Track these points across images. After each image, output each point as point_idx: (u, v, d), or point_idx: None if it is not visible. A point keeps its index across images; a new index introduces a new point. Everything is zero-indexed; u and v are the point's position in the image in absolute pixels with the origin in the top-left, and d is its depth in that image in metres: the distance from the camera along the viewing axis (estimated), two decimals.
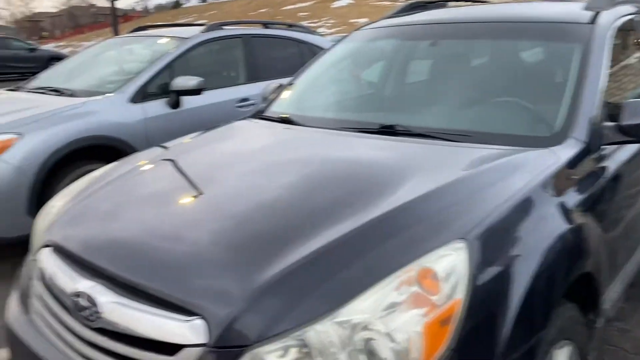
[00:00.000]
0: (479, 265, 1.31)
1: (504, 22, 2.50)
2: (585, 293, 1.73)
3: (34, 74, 5.39)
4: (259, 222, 1.54)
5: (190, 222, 1.60)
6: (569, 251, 1.56)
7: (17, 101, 4.05)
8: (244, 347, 1.21)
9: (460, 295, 1.25)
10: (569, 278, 1.53)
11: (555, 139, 1.85)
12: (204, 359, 1.23)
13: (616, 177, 1.99)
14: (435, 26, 2.64)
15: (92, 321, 1.39)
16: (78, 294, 1.44)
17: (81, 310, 1.42)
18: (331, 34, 21.04)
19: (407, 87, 2.76)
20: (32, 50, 20.90)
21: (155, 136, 3.91)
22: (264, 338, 1.21)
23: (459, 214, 1.45)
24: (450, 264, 1.28)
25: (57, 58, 20.08)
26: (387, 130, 2.11)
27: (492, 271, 1.33)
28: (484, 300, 1.28)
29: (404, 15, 2.96)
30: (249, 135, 2.44)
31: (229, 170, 1.98)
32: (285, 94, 2.81)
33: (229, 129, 2.53)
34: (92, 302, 1.40)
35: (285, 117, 2.50)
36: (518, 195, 1.53)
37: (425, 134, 2.01)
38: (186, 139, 2.48)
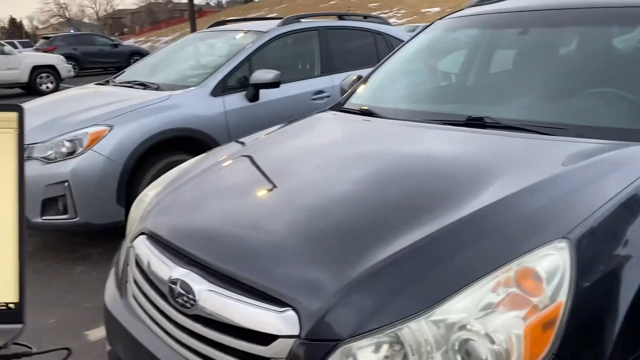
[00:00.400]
0: (583, 266, 1.23)
1: (599, 8, 2.34)
2: None
3: (116, 68, 5.66)
4: (351, 216, 1.53)
5: (279, 213, 1.62)
6: None
7: (107, 95, 4.27)
8: (336, 341, 1.21)
9: (564, 298, 1.18)
10: None
11: None
12: (296, 350, 1.23)
13: None
14: (526, 13, 2.52)
15: (187, 308, 1.44)
16: (174, 281, 1.49)
17: (177, 296, 1.47)
18: (402, 24, 20.73)
19: (494, 78, 2.66)
20: (115, 45, 22.02)
21: (235, 128, 4.01)
22: (357, 333, 1.20)
23: (559, 212, 1.38)
24: (553, 264, 1.22)
25: (138, 53, 21.07)
26: (475, 123, 2.04)
27: (598, 273, 1.26)
28: (589, 303, 1.21)
29: (489, 3, 2.84)
30: (330, 128, 2.43)
31: (313, 163, 1.99)
32: (366, 86, 2.78)
33: (310, 121, 2.54)
34: (188, 290, 1.45)
35: (366, 109, 2.48)
36: (625, 193, 1.43)
37: (517, 127, 1.93)
38: (268, 132, 2.51)
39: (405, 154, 1.91)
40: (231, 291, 1.38)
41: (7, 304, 0.74)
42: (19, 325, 0.73)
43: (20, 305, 0.74)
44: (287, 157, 2.10)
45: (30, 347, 0.74)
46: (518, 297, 1.19)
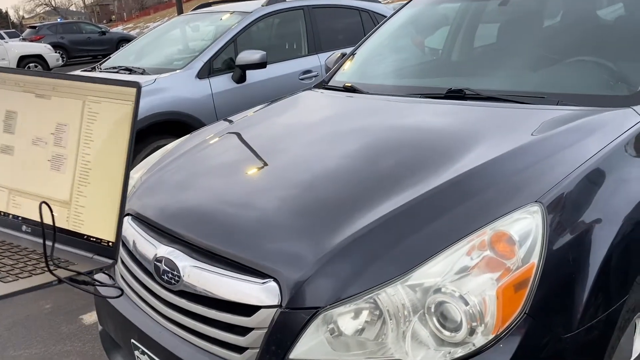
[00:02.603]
0: (555, 229, 1.26)
1: None
2: None
3: (105, 56, 5.63)
4: (328, 188, 1.55)
5: (261, 189, 1.65)
6: None
7: None
8: (316, 308, 1.24)
9: (536, 260, 1.22)
10: None
11: (637, 98, 1.74)
12: (278, 319, 1.27)
13: None
14: None
15: (172, 284, 1.47)
16: (159, 259, 1.52)
17: (162, 274, 1.50)
18: (392, 1, 20.52)
19: (475, 51, 2.67)
20: (103, 33, 21.81)
21: (222, 110, 4.01)
22: (336, 300, 1.23)
23: (533, 177, 1.40)
24: (526, 228, 1.25)
25: (126, 40, 20.87)
26: (455, 95, 2.06)
27: (569, 236, 1.29)
28: (561, 265, 1.25)
29: None
30: (313, 105, 2.45)
31: (296, 139, 2.01)
32: (349, 63, 2.79)
33: (294, 99, 2.55)
34: (172, 267, 1.47)
35: (349, 86, 2.49)
36: (597, 157, 1.46)
37: (496, 97, 1.95)
38: (252, 111, 2.52)
39: (387, 128, 1.93)
40: (215, 266, 1.41)
41: (108, 241, 0.90)
42: (111, 261, 0.89)
43: (115, 245, 0.89)
44: (272, 135, 2.12)
45: (95, 281, 0.89)
46: (492, 260, 1.22)
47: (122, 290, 0.96)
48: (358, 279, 1.24)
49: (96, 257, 0.91)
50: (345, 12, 5.16)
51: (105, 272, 0.93)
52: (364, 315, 1.23)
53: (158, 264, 1.52)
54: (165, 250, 1.53)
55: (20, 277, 0.82)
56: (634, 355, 1.50)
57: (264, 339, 1.28)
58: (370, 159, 1.68)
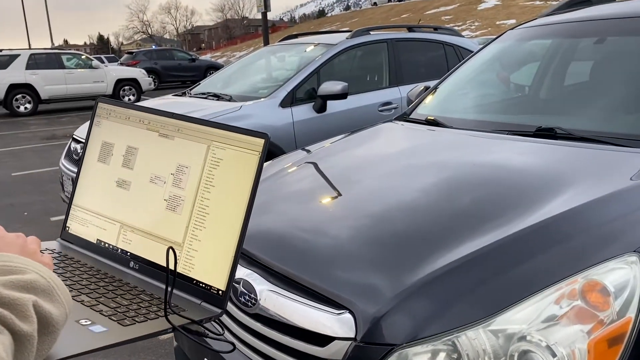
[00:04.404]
0: None
1: None
2: None
3: (193, 81, 5.93)
4: (408, 222, 1.53)
5: (338, 219, 1.65)
6: None
7: (183, 105, 4.48)
8: (392, 345, 1.21)
9: (633, 314, 1.13)
10: None
11: None
12: (352, 352, 1.25)
13: None
14: (600, 22, 2.43)
15: (249, 307, 1.49)
16: (237, 281, 1.55)
17: (240, 295, 1.52)
18: (475, 36, 20.32)
19: (566, 89, 2.57)
20: (193, 60, 23.02)
21: (302, 139, 4.09)
22: (414, 339, 1.20)
23: (630, 225, 1.32)
24: (622, 279, 1.17)
25: (214, 67, 21.92)
26: (545, 134, 1.98)
27: None
28: None
29: (563, 12, 2.76)
30: (394, 137, 2.44)
31: (375, 171, 2.00)
32: (433, 96, 2.77)
33: (374, 131, 2.55)
34: (250, 289, 1.50)
35: (432, 119, 2.47)
36: None
37: (589, 138, 1.86)
38: (333, 141, 2.55)
39: (471, 164, 1.88)
40: (291, 292, 1.42)
41: (218, 289, 0.87)
42: (219, 310, 0.86)
43: (225, 294, 0.87)
44: (351, 165, 2.13)
45: (208, 331, 0.86)
46: (583, 311, 1.15)
47: (234, 344, 0.92)
48: (437, 319, 1.21)
49: (204, 304, 0.87)
50: (429, 45, 5.16)
51: (216, 321, 0.87)
52: (441, 357, 1.19)
53: (236, 285, 1.55)
54: (243, 272, 1.56)
55: (137, 322, 0.80)
56: None
57: None
58: (454, 196, 1.65)
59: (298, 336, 1.35)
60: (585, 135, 1.88)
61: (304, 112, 4.25)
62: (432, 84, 3.03)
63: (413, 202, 1.65)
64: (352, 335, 1.26)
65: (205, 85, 5.21)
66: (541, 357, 1.10)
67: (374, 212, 1.65)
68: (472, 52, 4.97)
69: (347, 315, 1.28)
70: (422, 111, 2.65)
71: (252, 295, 1.48)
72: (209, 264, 0.89)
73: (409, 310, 1.24)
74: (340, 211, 1.74)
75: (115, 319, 0.80)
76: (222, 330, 0.89)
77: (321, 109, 4.27)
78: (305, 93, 4.36)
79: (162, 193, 0.96)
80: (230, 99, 4.39)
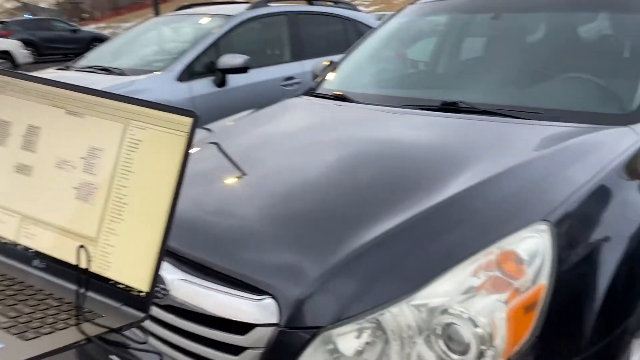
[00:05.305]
0: (563, 248, 1.23)
1: None
2: None
3: (76, 54, 5.47)
4: (328, 201, 1.49)
5: (253, 199, 1.57)
6: None
7: (69, 80, 4.08)
8: (317, 328, 1.17)
9: (545, 280, 1.18)
10: None
11: (635, 117, 1.74)
12: (276, 339, 1.20)
13: None
14: None
15: (159, 298, 1.38)
16: None
17: None
18: (369, 12, 20.69)
19: (467, 63, 2.65)
20: (75, 31, 21.35)
21: (203, 114, 3.88)
22: (338, 320, 1.17)
23: (538, 194, 1.37)
24: (534, 247, 1.21)
25: (98, 39, 20.46)
26: (449, 107, 2.03)
27: (577, 256, 1.26)
28: (569, 286, 1.21)
29: None
30: (302, 113, 2.39)
31: (288, 148, 1.94)
32: (338, 71, 2.74)
33: (282, 106, 2.48)
34: (159, 279, 1.39)
35: (340, 94, 2.44)
36: (600, 176, 1.44)
37: (492, 111, 1.92)
38: (238, 118, 2.44)
39: (381, 139, 1.88)
40: (205, 280, 1.33)
41: (139, 291, 0.76)
42: (142, 314, 0.75)
43: (149, 296, 0.76)
44: (259, 143, 2.04)
45: (132, 342, 0.77)
46: (499, 280, 1.18)
47: (161, 355, 0.83)
48: (361, 298, 1.18)
49: (124, 307, 0.77)
50: (329, 19, 5.13)
51: (140, 327, 0.77)
52: (365, 335, 1.17)
53: None
54: None
55: (41, 334, 0.68)
56: None
57: (260, 359, 1.20)
58: (365, 172, 1.63)
59: (215, 326, 1.27)
60: (487, 109, 1.95)
61: (203, 86, 4.06)
62: (334, 58, 3.01)
63: (326, 179, 1.62)
64: (275, 321, 1.20)
65: (92, 58, 4.80)
66: (464, 329, 1.12)
67: (287, 190, 1.60)
68: (370, 27, 5.02)
69: (269, 301, 1.22)
70: (328, 86, 2.61)
71: (162, 286, 1.37)
72: (128, 262, 0.78)
73: (332, 291, 1.21)
74: (252, 191, 1.66)
75: (14, 331, 0.67)
76: (146, 337, 0.79)
77: (221, 83, 4.10)
78: (204, 67, 4.16)
79: (71, 180, 0.84)
80: (121, 72, 4.08)
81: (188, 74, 4.02)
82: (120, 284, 0.78)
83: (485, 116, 1.91)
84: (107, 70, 4.19)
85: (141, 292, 0.77)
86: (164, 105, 0.81)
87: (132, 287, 0.77)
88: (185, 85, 3.97)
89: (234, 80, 4.14)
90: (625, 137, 1.63)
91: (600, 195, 1.41)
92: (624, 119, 1.74)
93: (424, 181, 1.50)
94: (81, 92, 0.87)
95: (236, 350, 1.24)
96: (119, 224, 0.79)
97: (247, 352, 1.22)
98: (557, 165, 1.50)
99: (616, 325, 1.27)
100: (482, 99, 2.07)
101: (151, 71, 4.01)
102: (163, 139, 0.79)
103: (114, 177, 0.81)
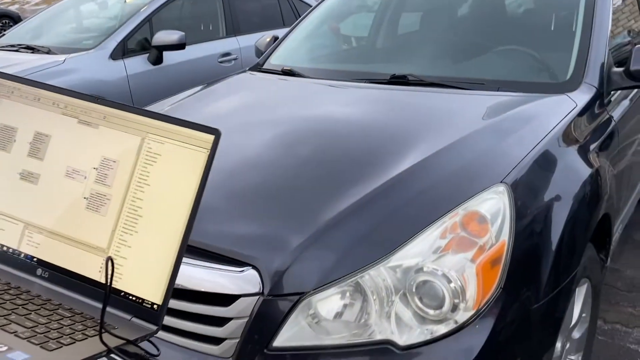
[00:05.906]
0: (520, 208, 1.34)
1: None
2: (599, 233, 1.81)
3: None
4: (299, 174, 1.53)
5: (229, 173, 1.58)
6: (594, 194, 1.61)
7: None
8: (300, 294, 1.23)
9: (506, 237, 1.29)
10: (595, 219, 1.60)
11: (569, 85, 1.89)
12: (260, 308, 1.24)
13: (622, 121, 2.06)
14: None
15: None
16: None
17: None
18: None
19: (411, 37, 2.74)
20: None
21: (139, 94, 3.80)
22: (319, 285, 1.23)
23: (493, 159, 1.48)
24: (495, 207, 1.32)
25: (7, 16, 18.96)
26: (399, 81, 2.10)
27: (531, 215, 1.38)
28: (527, 242, 1.33)
29: None
30: (254, 89, 2.38)
31: (243, 124, 1.94)
32: (284, 46, 2.74)
33: (231, 83, 2.46)
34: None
35: (288, 70, 2.46)
36: (545, 141, 1.57)
37: (439, 83, 2.02)
38: (186, 96, 2.40)
39: (339, 114, 1.93)
40: (188, 257, 1.33)
41: (152, 303, 0.76)
42: (154, 327, 0.76)
43: (161, 309, 0.76)
44: (218, 119, 2.03)
45: (149, 355, 0.77)
46: (464, 240, 1.27)
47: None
48: (341, 263, 1.25)
49: (135, 319, 0.77)
50: None
51: (150, 340, 0.77)
52: (348, 296, 1.24)
53: None
54: None
55: (63, 344, 0.67)
56: (574, 320, 1.64)
57: (245, 328, 1.24)
58: (331, 144, 1.68)
59: (200, 300, 1.29)
60: (435, 81, 2.04)
61: (138, 64, 3.93)
62: (270, 34, 3.01)
63: (293, 153, 1.65)
64: (259, 290, 1.24)
65: (12, 35, 4.50)
66: (439, 284, 1.21)
67: (250, 167, 1.61)
68: (304, 2, 5.02)
69: (252, 272, 1.26)
70: (275, 61, 2.62)
71: None
72: (141, 275, 0.78)
73: (312, 259, 1.26)
74: (234, 165, 1.64)
75: (35, 342, 0.67)
76: (159, 351, 0.79)
77: (157, 60, 3.98)
78: (138, 44, 4.02)
79: (82, 190, 0.83)
80: (48, 51, 3.87)
81: (121, 52, 3.88)
82: (131, 296, 0.78)
83: (433, 88, 2.01)
84: (31, 49, 3.95)
85: (154, 304, 0.77)
86: (184, 121, 0.81)
87: (144, 299, 0.78)
88: (119, 64, 3.83)
89: (170, 57, 4.03)
90: (563, 104, 1.78)
91: (546, 159, 1.54)
92: (561, 87, 1.89)
93: (389, 151, 1.57)
94: (95, 103, 0.85)
95: (221, 321, 1.27)
96: (131, 236, 0.80)
97: (232, 322, 1.25)
98: (506, 132, 1.61)
99: (568, 274, 1.42)
100: (429, 72, 2.17)
101: (81, 49, 3.82)
102: (183, 154, 0.79)
103: (129, 189, 0.81)
